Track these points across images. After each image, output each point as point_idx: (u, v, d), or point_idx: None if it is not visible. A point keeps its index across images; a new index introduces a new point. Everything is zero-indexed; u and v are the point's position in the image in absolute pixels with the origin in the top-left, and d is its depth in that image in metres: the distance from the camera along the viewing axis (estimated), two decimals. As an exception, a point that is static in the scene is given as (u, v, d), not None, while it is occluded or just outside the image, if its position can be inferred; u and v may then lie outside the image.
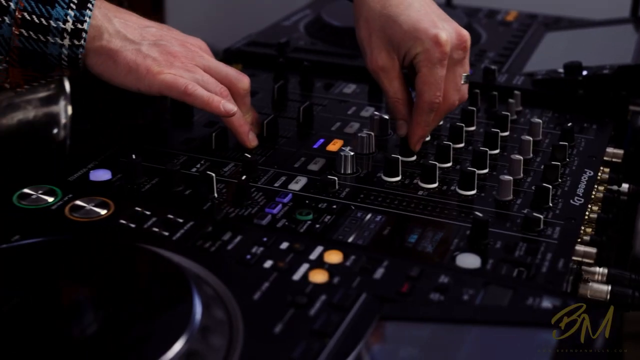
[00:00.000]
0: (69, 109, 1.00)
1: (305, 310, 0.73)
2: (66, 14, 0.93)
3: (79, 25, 0.93)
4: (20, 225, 0.83)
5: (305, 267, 0.78)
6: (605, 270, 0.85)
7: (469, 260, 0.82)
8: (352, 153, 0.97)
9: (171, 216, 0.85)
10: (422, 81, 0.97)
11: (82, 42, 0.94)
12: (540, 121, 1.05)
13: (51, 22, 0.92)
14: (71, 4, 0.93)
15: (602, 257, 0.88)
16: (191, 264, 0.78)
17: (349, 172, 0.97)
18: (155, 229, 0.83)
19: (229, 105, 0.98)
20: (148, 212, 0.86)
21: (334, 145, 1.04)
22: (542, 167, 0.98)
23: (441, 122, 1.07)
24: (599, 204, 0.96)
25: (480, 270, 0.80)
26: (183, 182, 0.93)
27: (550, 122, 1.12)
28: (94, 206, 0.87)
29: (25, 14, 0.91)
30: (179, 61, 0.98)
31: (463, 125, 1.04)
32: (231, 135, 1.03)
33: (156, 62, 0.97)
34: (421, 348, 0.69)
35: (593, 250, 0.86)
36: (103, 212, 0.86)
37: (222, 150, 1.02)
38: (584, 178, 0.97)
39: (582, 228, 0.89)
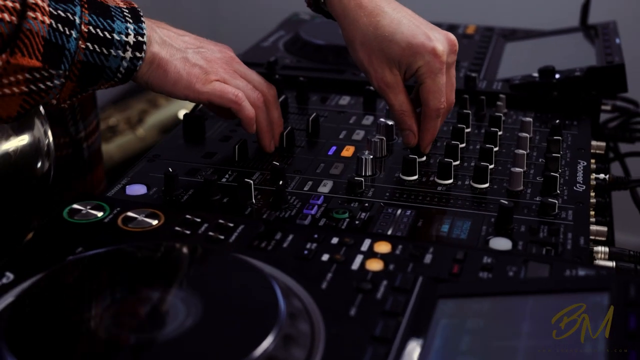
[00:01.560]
0: (49, 134, 0.99)
1: (372, 294, 0.80)
2: (127, 27, 0.95)
3: (140, 38, 0.96)
4: (78, 238, 0.88)
5: (360, 257, 0.85)
6: (607, 249, 0.94)
7: (501, 243, 0.90)
8: (371, 156, 1.04)
9: (222, 221, 0.91)
10: (427, 91, 1.05)
11: (143, 54, 0.96)
12: (531, 119, 1.15)
13: (114, 35, 0.94)
14: (127, 17, 0.96)
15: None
16: (256, 262, 0.84)
17: (369, 173, 1.04)
18: (211, 233, 0.89)
19: (255, 127, 1.06)
20: (198, 219, 0.91)
21: (347, 151, 1.11)
22: (541, 160, 1.08)
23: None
24: (593, 191, 1.06)
25: (514, 251, 0.89)
26: (219, 192, 0.99)
27: (534, 121, 1.22)
28: (145, 217, 0.92)
29: (91, 27, 0.92)
30: (222, 68, 1.04)
31: (464, 126, 1.12)
32: (251, 147, 1.10)
33: (203, 70, 1.02)
34: (485, 320, 0.77)
35: (604, 228, 0.95)
36: (154, 222, 0.91)
37: (244, 161, 1.08)
38: (580, 168, 1.07)
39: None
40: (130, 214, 0.92)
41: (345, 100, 1.29)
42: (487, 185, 1.02)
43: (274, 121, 1.10)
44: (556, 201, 0.96)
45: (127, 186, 1.01)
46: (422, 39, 1.04)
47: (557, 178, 1.00)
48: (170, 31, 1.03)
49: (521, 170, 1.01)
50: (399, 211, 0.96)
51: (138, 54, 0.96)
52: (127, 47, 0.95)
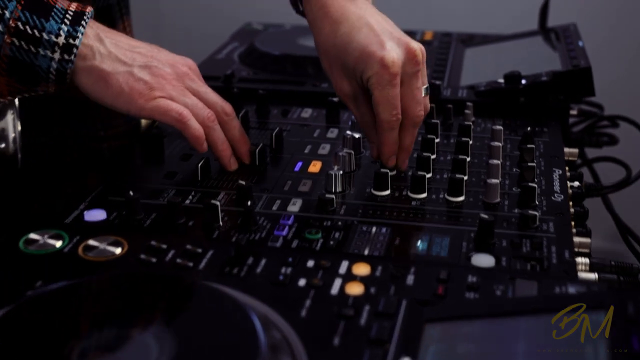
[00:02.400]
0: (18, 124, 1.03)
1: (355, 321, 0.75)
2: (59, 28, 0.93)
3: (71, 41, 0.94)
4: (36, 271, 0.82)
5: (338, 281, 0.81)
6: (587, 260, 0.91)
7: (484, 260, 0.86)
8: (340, 172, 1.00)
9: (190, 246, 0.86)
10: (376, 102, 1.01)
11: (73, 57, 0.94)
12: (501, 128, 1.12)
13: (44, 34, 0.93)
14: (65, 19, 0.94)
15: (588, 246, 0.94)
16: (230, 290, 0.79)
17: (340, 190, 1.00)
18: (179, 260, 0.84)
19: (206, 146, 1.02)
20: (164, 246, 0.86)
21: (315, 167, 1.07)
22: (515, 169, 1.05)
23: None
24: (570, 200, 1.03)
25: (498, 268, 0.85)
26: (184, 214, 0.94)
27: (502, 128, 1.18)
28: (107, 245, 0.86)
29: (19, 23, 0.92)
30: (170, 84, 1.00)
31: (434, 137, 1.09)
32: (214, 165, 1.05)
33: (148, 85, 0.98)
34: (477, 343, 0.73)
35: (587, 240, 0.92)
36: (117, 250, 0.85)
37: (208, 181, 1.03)
38: (556, 176, 1.04)
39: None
40: (91, 242, 0.87)
41: (307, 112, 1.24)
42: (462, 198, 0.98)
43: (235, 139, 1.05)
44: (537, 213, 0.92)
45: (86, 212, 0.95)
46: (375, 47, 0.99)
47: (535, 189, 0.96)
48: (121, 42, 1.00)
49: (497, 181, 0.97)
50: (374, 229, 0.92)
51: (67, 57, 0.94)
52: (56, 48, 0.94)
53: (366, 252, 0.88)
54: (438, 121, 1.14)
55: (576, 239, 0.91)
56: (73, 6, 0.96)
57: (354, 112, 1.05)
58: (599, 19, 2.27)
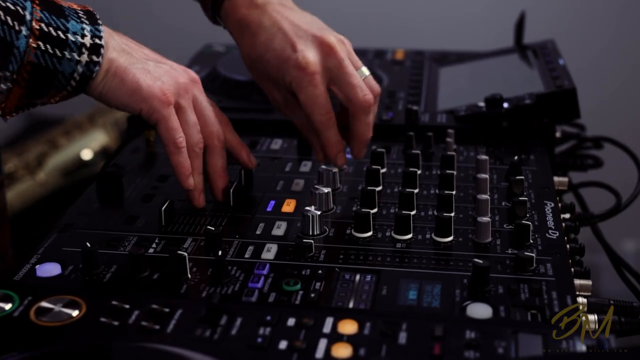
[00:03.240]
0: None
1: (346, 390, 0.67)
2: (82, 28, 0.84)
3: (97, 41, 0.85)
4: (-16, 340, 0.73)
5: (323, 342, 0.73)
6: (585, 300, 0.84)
7: (480, 310, 0.79)
8: (318, 212, 0.92)
9: (155, 306, 0.77)
10: (303, 105, 0.98)
11: (100, 58, 0.85)
12: (487, 157, 1.04)
13: (69, 35, 0.83)
14: (82, 18, 0.85)
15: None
16: (203, 357, 0.70)
17: (318, 232, 0.92)
18: (144, 323, 0.75)
19: (191, 182, 0.94)
20: (127, 306, 0.77)
21: (289, 206, 0.98)
22: (504, 203, 0.98)
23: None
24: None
25: (496, 319, 0.77)
26: (147, 266, 0.85)
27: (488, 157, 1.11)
28: (62, 307, 0.77)
29: (43, 25, 0.82)
30: (184, 90, 0.92)
31: (416, 170, 1.01)
32: (178, 208, 0.96)
33: (165, 86, 0.90)
34: (482, 413, 0.65)
35: (589, 282, 0.85)
36: (75, 312, 0.76)
37: (172, 226, 0.94)
38: (548, 210, 0.97)
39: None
40: (44, 304, 0.78)
41: (277, 143, 1.16)
42: (451, 238, 0.90)
43: (216, 171, 0.97)
44: (533, 255, 0.85)
45: (38, 266, 0.86)
46: (288, 52, 0.97)
47: (529, 227, 0.89)
48: (130, 41, 0.92)
49: (488, 219, 0.90)
50: (357, 277, 0.84)
51: (95, 58, 0.85)
52: (83, 50, 0.84)
53: (351, 304, 0.80)
54: (419, 151, 1.06)
55: (577, 282, 0.84)
56: (74, 5, 0.87)
57: (292, 120, 1.03)
58: (575, 34, 2.22)
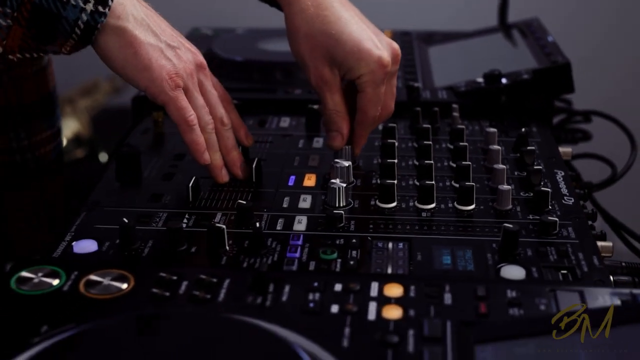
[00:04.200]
0: None
1: (402, 348, 0.70)
2: None
3: None
4: (37, 314, 0.74)
5: (373, 305, 0.75)
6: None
7: (514, 272, 0.82)
8: (344, 185, 0.94)
9: (203, 276, 0.79)
10: (367, 99, 1.00)
11: (107, 10, 0.84)
12: (495, 130, 1.08)
13: None
14: None
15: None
16: (265, 324, 0.72)
17: (344, 204, 0.94)
18: (196, 292, 0.77)
19: (207, 157, 0.95)
20: (174, 277, 0.79)
21: (310, 180, 1.01)
22: (517, 173, 1.01)
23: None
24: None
25: (530, 279, 0.81)
26: (185, 240, 0.86)
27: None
28: (111, 280, 0.78)
29: None
30: (189, 74, 0.93)
31: (430, 143, 1.04)
32: (204, 185, 0.98)
33: (174, 69, 0.91)
34: (536, 364, 0.68)
35: (609, 244, 0.89)
36: (124, 285, 0.78)
37: (199, 201, 0.95)
38: (559, 178, 1.01)
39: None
40: (93, 277, 0.79)
41: (285, 122, 1.18)
42: (473, 206, 0.94)
43: (228, 150, 0.98)
44: (556, 219, 0.89)
45: (74, 243, 0.87)
46: (370, 45, 0.98)
47: (549, 193, 0.93)
48: (150, 11, 0.91)
49: (509, 187, 0.93)
50: (390, 245, 0.87)
51: (101, 9, 0.84)
52: None
53: (389, 270, 0.83)
54: (429, 126, 1.09)
55: (599, 244, 0.88)
56: None
57: (326, 99, 1.01)
58: (558, 12, 2.27)
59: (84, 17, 0.84)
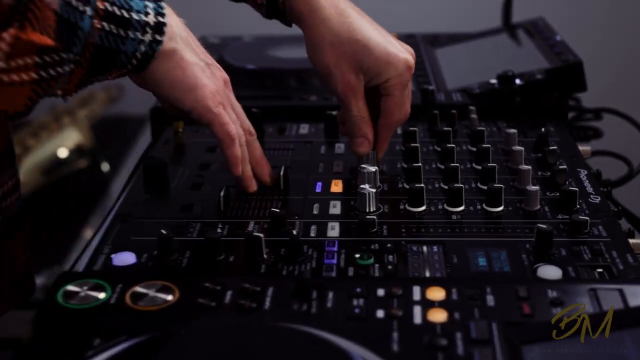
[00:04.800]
0: None
1: (452, 350, 0.71)
2: (145, 6, 0.83)
3: (160, 19, 0.84)
4: (87, 327, 0.74)
5: (418, 309, 0.76)
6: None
7: (551, 272, 0.83)
8: (373, 190, 0.95)
9: (247, 285, 0.80)
10: (394, 103, 1.01)
11: (163, 37, 0.85)
12: (515, 131, 1.09)
13: (132, 14, 0.82)
14: None
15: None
16: (318, 331, 0.73)
17: (374, 209, 0.95)
18: (241, 302, 0.78)
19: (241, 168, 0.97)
20: (218, 287, 0.80)
21: (337, 186, 1.02)
22: (540, 173, 1.03)
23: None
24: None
25: (567, 279, 0.82)
26: (222, 249, 0.87)
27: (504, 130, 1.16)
28: (156, 292, 0.79)
29: (107, 4, 0.80)
30: (223, 91, 0.95)
31: (453, 146, 1.05)
32: (233, 194, 0.99)
33: (215, 87, 0.92)
34: (585, 362, 0.70)
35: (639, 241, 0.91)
36: (169, 296, 0.79)
37: (231, 211, 0.96)
38: (583, 177, 1.02)
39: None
40: (139, 289, 0.79)
41: (304, 128, 1.19)
42: (502, 207, 0.95)
43: (256, 160, 1.00)
44: (587, 218, 0.90)
45: (113, 256, 0.87)
46: (394, 49, 1.00)
47: (576, 193, 0.94)
48: (185, 27, 0.91)
49: (537, 188, 0.95)
50: (424, 248, 0.88)
51: (158, 37, 0.85)
52: (147, 29, 0.84)
53: (427, 273, 0.84)
54: (450, 129, 1.11)
55: (631, 241, 0.90)
56: None
57: (351, 106, 1.02)
58: (563, 11, 2.28)
59: (142, 47, 0.84)
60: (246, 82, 1.31)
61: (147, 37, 0.84)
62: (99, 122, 2.31)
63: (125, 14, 0.82)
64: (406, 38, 1.54)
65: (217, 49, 1.45)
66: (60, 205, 2.05)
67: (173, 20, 0.88)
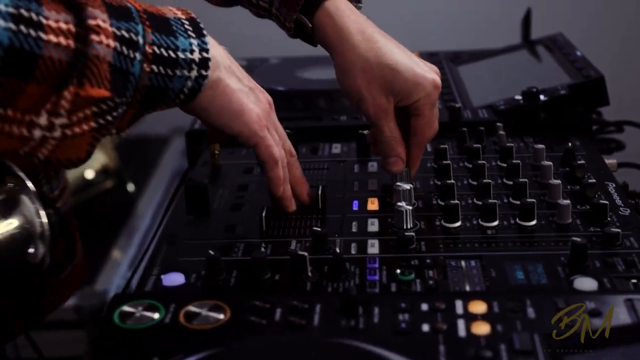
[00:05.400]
0: (43, 214, 0.85)
1: (498, 362, 0.74)
2: (190, 43, 0.87)
3: (205, 54, 0.88)
4: (144, 347, 0.78)
5: (462, 322, 0.79)
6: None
7: (587, 284, 0.86)
8: (410, 207, 0.99)
9: (296, 302, 0.83)
10: (424, 121, 1.05)
11: (209, 71, 0.88)
12: (543, 146, 1.12)
13: (179, 53, 0.85)
14: (188, 30, 0.87)
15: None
16: (362, 345, 0.77)
17: (411, 226, 0.98)
18: (292, 319, 0.81)
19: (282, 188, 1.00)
20: (268, 305, 0.83)
21: (373, 204, 1.05)
22: (570, 187, 1.06)
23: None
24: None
25: (603, 290, 0.85)
26: (268, 269, 0.91)
27: (530, 145, 1.19)
28: (208, 311, 0.83)
29: (155, 47, 0.83)
30: (267, 114, 0.98)
31: (484, 162, 1.08)
32: (274, 214, 1.02)
33: (260, 110, 0.96)
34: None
35: (672, 252, 0.94)
36: (221, 315, 0.82)
37: (272, 230, 1.00)
38: (611, 189, 1.05)
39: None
40: (191, 308, 0.83)
41: (337, 148, 1.22)
42: (535, 222, 0.98)
43: (296, 179, 1.03)
44: (619, 230, 0.93)
45: (163, 276, 0.91)
46: (421, 70, 1.04)
47: (607, 206, 0.97)
48: (228, 55, 0.95)
49: (569, 202, 0.98)
50: (463, 263, 0.91)
51: (204, 72, 0.88)
52: (193, 65, 0.87)
53: (467, 287, 0.87)
54: (479, 145, 1.14)
55: (662, 252, 0.93)
56: (179, 12, 0.89)
57: (383, 127, 1.05)
58: (582, 25, 2.32)
59: (189, 83, 0.87)
60: (276, 103, 1.34)
61: (193, 73, 0.87)
62: (122, 142, 2.35)
63: (172, 54, 0.85)
64: (429, 56, 1.57)
65: (247, 70, 1.48)
66: (88, 225, 2.09)
67: (216, 51, 0.91)
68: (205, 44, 0.89)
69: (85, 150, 0.82)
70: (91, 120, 0.80)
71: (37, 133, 0.78)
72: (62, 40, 0.76)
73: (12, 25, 0.74)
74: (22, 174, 0.85)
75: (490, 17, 2.23)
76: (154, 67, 0.84)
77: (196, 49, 0.88)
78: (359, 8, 1.08)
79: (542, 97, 1.25)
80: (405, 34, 2.01)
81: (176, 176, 2.27)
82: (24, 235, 0.85)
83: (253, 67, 1.51)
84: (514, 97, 1.27)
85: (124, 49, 0.81)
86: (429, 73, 1.04)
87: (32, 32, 0.75)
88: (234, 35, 2.28)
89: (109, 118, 0.81)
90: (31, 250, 0.86)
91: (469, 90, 1.40)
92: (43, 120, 0.78)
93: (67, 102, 0.78)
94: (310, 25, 1.05)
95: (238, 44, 1.91)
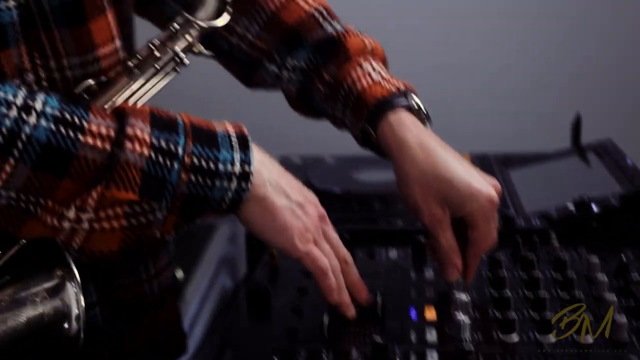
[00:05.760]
0: (82, 299, 0.90)
1: None
2: (233, 157, 0.92)
3: (246, 168, 0.92)
4: None
5: None
6: None
7: (643, 402, 0.88)
8: (469, 321, 1.01)
9: (359, 415, 0.85)
10: (480, 233, 1.07)
11: (249, 185, 0.93)
12: (598, 261, 1.15)
13: (219, 165, 0.91)
14: (233, 145, 0.92)
15: None
16: None
17: (469, 337, 1.01)
18: None
19: (337, 297, 1.03)
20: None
21: (431, 313, 1.07)
22: (623, 301, 1.08)
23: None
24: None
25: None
26: (332, 379, 0.93)
27: (583, 255, 1.21)
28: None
29: (194, 158, 0.89)
30: (315, 227, 1.01)
31: (540, 276, 1.11)
32: (333, 319, 1.05)
33: (304, 226, 0.99)
34: None
35: None
36: None
37: (332, 337, 1.02)
38: (668, 305, 1.07)
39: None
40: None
41: (394, 253, 1.25)
42: (592, 339, 1.00)
43: (353, 285, 1.06)
44: (682, 350, 0.95)
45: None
46: (478, 184, 1.07)
47: (667, 325, 0.99)
48: (281, 171, 1.00)
49: (625, 321, 1.00)
50: (523, 377, 0.93)
51: (244, 185, 0.93)
52: (232, 178, 0.92)
53: (529, 404, 0.89)
54: (534, 255, 1.17)
55: None
56: (230, 128, 0.94)
57: (439, 237, 1.08)
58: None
59: (229, 194, 0.92)
60: (332, 205, 1.38)
61: (233, 186, 0.92)
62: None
63: (212, 166, 0.91)
64: (480, 160, 1.61)
65: (301, 170, 1.53)
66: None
67: (263, 167, 0.96)
68: (248, 157, 0.93)
69: (118, 246, 0.87)
70: (122, 219, 0.86)
71: (66, 225, 0.86)
72: (99, 143, 0.85)
73: (52, 126, 0.83)
74: (72, 264, 0.88)
75: (540, 118, 2.27)
76: (192, 176, 0.89)
77: (237, 162, 0.92)
78: (425, 123, 1.12)
79: (594, 206, 1.28)
80: (453, 134, 2.05)
81: (223, 263, 2.29)
82: (63, 313, 0.90)
83: (308, 166, 1.56)
84: (566, 205, 1.30)
85: (160, 158, 0.88)
86: (485, 187, 1.07)
87: (71, 133, 0.84)
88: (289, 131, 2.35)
89: (143, 220, 0.87)
90: (65, 324, 0.91)
91: (521, 196, 1.43)
92: (71, 214, 0.86)
93: (93, 200, 0.85)
94: (375, 134, 1.10)
95: (291, 141, 1.97)
